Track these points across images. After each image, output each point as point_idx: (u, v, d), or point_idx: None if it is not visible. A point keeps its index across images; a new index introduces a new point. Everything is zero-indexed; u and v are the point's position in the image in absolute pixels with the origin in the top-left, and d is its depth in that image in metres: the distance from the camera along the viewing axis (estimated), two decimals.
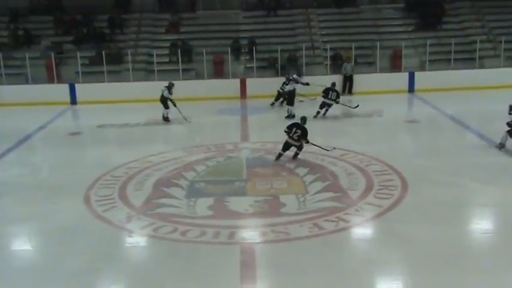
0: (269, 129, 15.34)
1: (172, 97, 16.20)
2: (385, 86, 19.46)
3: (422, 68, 21.00)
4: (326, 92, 16.41)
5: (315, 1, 24.42)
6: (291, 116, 15.92)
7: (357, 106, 16.35)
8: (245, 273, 7.08)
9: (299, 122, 12.13)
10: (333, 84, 17.01)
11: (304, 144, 11.87)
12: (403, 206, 9.17)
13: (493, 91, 18.49)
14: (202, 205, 9.39)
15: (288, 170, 11.25)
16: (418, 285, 6.69)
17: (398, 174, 10.66)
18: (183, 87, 19.41)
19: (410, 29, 23.00)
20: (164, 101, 16.23)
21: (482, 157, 12.02)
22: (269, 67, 21.27)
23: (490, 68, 20.40)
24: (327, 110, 16.46)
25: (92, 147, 14.29)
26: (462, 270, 7.01)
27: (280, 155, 11.90)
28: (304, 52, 21.04)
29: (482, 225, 8.60)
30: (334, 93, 16.45)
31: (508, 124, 12.05)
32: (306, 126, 11.93)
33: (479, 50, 21.30)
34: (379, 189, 9.89)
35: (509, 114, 12.09)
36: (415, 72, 20.29)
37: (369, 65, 21.32)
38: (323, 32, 23.13)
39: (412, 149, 13.32)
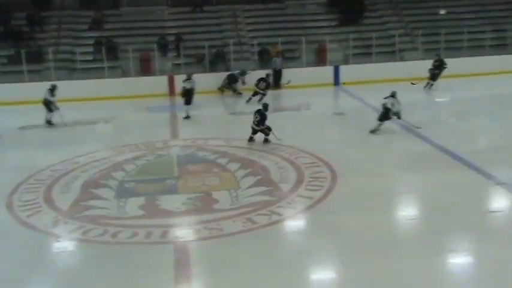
0: (199, 126, 15.25)
1: (55, 99, 15.39)
2: (312, 80, 19.83)
3: (346, 61, 21.59)
4: (257, 82, 17.80)
5: None
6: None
7: (289, 81, 17.83)
8: (179, 273, 7.01)
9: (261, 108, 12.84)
10: (267, 75, 18.26)
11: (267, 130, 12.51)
12: (333, 197, 9.40)
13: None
14: (133, 205, 9.20)
15: (219, 166, 11.23)
16: (350, 273, 6.89)
17: (327, 165, 10.90)
18: (108, 86, 18.95)
19: (333, 24, 23.56)
20: (47, 104, 15.39)
21: (405, 146, 12.54)
22: (197, 63, 21.13)
23: (409, 60, 21.29)
24: (261, 99, 17.23)
25: (13, 150, 13.61)
26: (390, 256, 7.28)
27: (250, 138, 12.68)
28: (231, 48, 21.08)
29: (407, 212, 8.96)
30: (264, 84, 17.69)
31: (384, 106, 13.26)
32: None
33: (399, 43, 22.20)
34: (309, 181, 10.07)
35: (385, 98, 13.33)
36: (340, 66, 20.82)
37: (295, 59, 21.66)
38: (250, 28, 23.24)
39: (340, 140, 13.67)
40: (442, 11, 23.82)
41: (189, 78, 16.32)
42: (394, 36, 22.29)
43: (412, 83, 17.60)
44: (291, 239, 8.22)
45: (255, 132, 12.66)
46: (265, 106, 12.96)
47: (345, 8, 23.63)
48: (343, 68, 20.68)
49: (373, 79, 19.64)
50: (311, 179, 10.19)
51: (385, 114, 13.42)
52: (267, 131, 12.63)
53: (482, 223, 8.26)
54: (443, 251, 7.38)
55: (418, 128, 13.33)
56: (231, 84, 19.36)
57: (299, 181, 10.11)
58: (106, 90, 18.66)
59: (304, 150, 11.98)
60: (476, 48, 21.58)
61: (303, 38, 21.30)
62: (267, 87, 18.01)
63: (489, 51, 21.48)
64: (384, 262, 7.08)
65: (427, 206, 9.11)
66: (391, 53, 21.94)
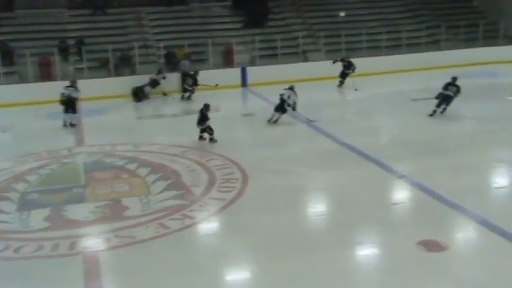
0: (106, 132, 14.78)
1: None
2: (220, 82, 19.86)
3: (253, 63, 21.86)
4: (185, 78, 18.55)
5: None
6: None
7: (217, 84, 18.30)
8: (89, 284, 6.76)
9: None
10: (195, 72, 18.69)
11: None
12: (245, 197, 9.48)
13: (317, 82, 19.87)
14: (37, 217, 8.75)
15: (129, 172, 10.96)
16: (266, 270, 6.98)
17: (238, 166, 10.97)
18: (5, 92, 17.88)
19: (239, 26, 23.77)
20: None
21: (313, 144, 12.91)
22: (101, 67, 20.47)
23: (313, 61, 21.95)
24: (189, 96, 18.35)
25: None
26: (303, 251, 7.46)
27: (200, 137, 12.89)
28: (137, 51, 20.64)
29: (317, 208, 9.23)
30: (191, 80, 18.32)
31: (280, 98, 14.25)
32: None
33: (302, 44, 22.84)
34: (221, 183, 10.09)
35: (284, 89, 14.40)
36: (247, 68, 21.04)
37: (202, 61, 21.60)
38: (155, 31, 22.87)
39: (250, 141, 13.83)
40: (342, 14, 24.77)
41: (71, 86, 15.48)
42: (297, 38, 22.88)
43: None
44: (205, 241, 8.19)
45: (202, 131, 12.82)
46: (206, 106, 12.87)
47: (250, 11, 23.93)
48: (250, 70, 20.91)
49: (279, 80, 20.01)
50: (223, 181, 10.21)
51: (281, 105, 14.21)
52: (209, 130, 12.70)
53: (387, 215, 8.69)
54: (352, 244, 7.68)
55: (312, 121, 14.15)
56: (155, 87, 18.90)
57: (211, 183, 10.09)
58: (2, 97, 17.59)
59: (215, 152, 11.99)
60: (374, 49, 22.66)
61: (210, 41, 21.30)
62: (195, 83, 18.27)
63: (385, 51, 22.64)
64: (297, 258, 7.24)
65: (335, 201, 9.44)
66: (296, 54, 22.52)
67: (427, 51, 22.52)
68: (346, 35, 22.65)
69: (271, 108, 14.49)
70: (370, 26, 23.93)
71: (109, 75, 19.87)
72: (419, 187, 9.63)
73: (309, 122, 14.20)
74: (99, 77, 19.64)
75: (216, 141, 12.70)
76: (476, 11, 26.15)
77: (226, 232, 8.43)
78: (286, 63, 21.42)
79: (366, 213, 8.68)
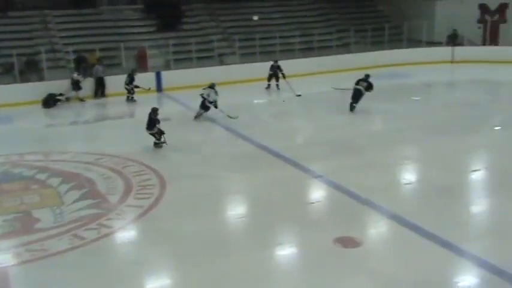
0: (13, 140, 13.98)
1: None
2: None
3: (167, 67, 21.58)
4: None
5: (50, 1, 23.04)
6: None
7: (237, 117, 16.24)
8: None
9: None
10: (132, 70, 18.61)
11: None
12: (163, 203, 9.33)
13: (233, 86, 19.95)
14: None
15: (39, 182, 10.46)
16: (187, 276, 6.91)
17: (155, 172, 10.79)
18: None
19: (152, 29, 23.40)
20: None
21: (230, 148, 12.95)
22: (6, 73, 19.38)
23: (229, 64, 22.05)
24: (128, 97, 18.28)
25: None
26: (223, 254, 7.47)
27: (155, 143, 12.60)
28: (44, 56, 19.74)
29: (236, 211, 9.27)
30: (128, 79, 18.12)
31: (202, 96, 14.79)
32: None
33: (217, 48, 22.87)
34: (138, 190, 9.88)
35: (203, 89, 14.95)
36: (161, 72, 20.74)
37: (115, 66, 21.04)
38: (62, 34, 21.97)
39: (166, 146, 13.61)
40: (255, 17, 25.06)
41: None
42: (213, 41, 22.88)
43: (297, 95, 18.26)
44: (123, 250, 7.98)
45: (153, 135, 12.61)
46: (154, 110, 12.60)
47: (163, 14, 23.62)
48: (165, 74, 20.63)
49: (195, 84, 19.91)
50: (139, 188, 10.00)
51: (203, 103, 14.88)
52: (156, 135, 12.50)
53: (304, 215, 8.89)
54: (272, 244, 7.78)
55: (233, 117, 14.59)
56: (78, 90, 18.22)
57: (127, 191, 9.85)
58: None
59: (130, 158, 11.71)
60: (287, 52, 23.12)
61: (122, 45, 20.80)
62: (131, 81, 18.08)
63: (298, 54, 23.17)
64: (218, 261, 7.23)
65: (254, 203, 9.52)
66: (211, 58, 22.50)
67: (338, 53, 23.28)
68: (260, 39, 22.94)
69: (188, 113, 14.42)
70: (284, 29, 24.38)
71: (15, 81, 18.86)
72: (334, 186, 9.93)
73: (230, 118, 14.55)
74: (4, 83, 18.61)
75: (161, 146, 12.53)
76: (382, 15, 27.39)
77: (145, 239, 8.26)
78: (202, 66, 21.34)
79: (284, 213, 8.82)
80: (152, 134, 12.60)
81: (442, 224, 8.21)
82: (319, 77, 21.18)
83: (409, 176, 10.81)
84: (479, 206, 9.27)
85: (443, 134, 13.21)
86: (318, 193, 9.99)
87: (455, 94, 18.96)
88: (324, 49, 23.69)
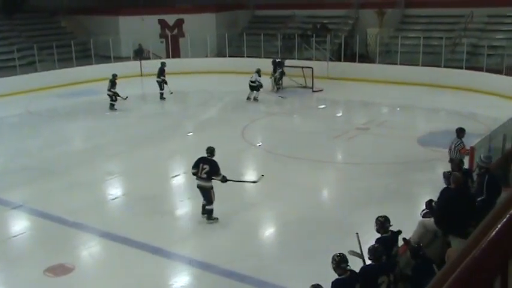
0: None
1: None
2: None
3: None
4: None
5: None
6: None
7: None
8: None
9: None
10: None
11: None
12: None
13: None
14: None
15: None
16: None
17: None
18: None
19: None
20: None
21: None
22: None
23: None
24: None
25: None
26: None
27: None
28: None
29: None
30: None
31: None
32: None
33: None
34: None
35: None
36: None
37: None
38: None
39: None
40: None
41: None
42: None
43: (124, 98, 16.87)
44: None
45: None
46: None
47: None
48: None
49: None
50: None
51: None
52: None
53: (7, 251, 8.13)
54: None
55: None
56: None
57: None
58: None
59: None
60: None
61: None
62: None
63: None
64: None
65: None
66: None
67: (24, 73, 21.78)
68: None
69: None
70: None
71: None
72: (37, 214, 9.36)
73: None
74: None
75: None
76: (66, 31, 26.84)
77: None
78: None
79: None
80: None
81: (150, 232, 8.53)
82: (7, 99, 19.40)
83: (114, 190, 10.85)
84: (182, 209, 9.91)
85: (143, 145, 13.68)
86: (20, 225, 9.22)
87: (148, 106, 19.78)
88: (7, 69, 21.90)
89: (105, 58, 24.21)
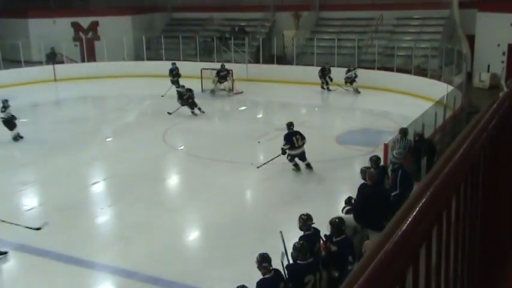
0: None
1: None
2: None
3: None
4: None
5: None
6: None
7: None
8: None
9: None
10: None
11: None
12: None
13: None
14: None
15: None
16: None
17: None
18: None
19: None
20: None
21: None
22: None
23: None
24: None
25: None
26: None
27: None
28: None
29: None
30: None
31: None
32: None
33: None
34: None
35: None
36: None
37: None
38: None
39: None
40: None
41: None
42: None
43: None
44: None
45: None
46: None
47: None
48: None
49: None
50: None
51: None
52: None
53: None
54: None
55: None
56: None
57: None
58: None
59: None
60: None
61: None
62: None
63: None
64: None
65: None
66: None
67: None
68: None
69: None
70: None
71: None
72: None
73: None
74: None
75: None
76: None
77: None
78: None
79: None
80: None
81: (69, 242, 8.22)
82: None
83: (29, 201, 10.36)
84: (103, 217, 9.64)
85: (59, 152, 13.13)
86: None
87: (63, 112, 19.04)
88: None
89: (15, 63, 23.05)
